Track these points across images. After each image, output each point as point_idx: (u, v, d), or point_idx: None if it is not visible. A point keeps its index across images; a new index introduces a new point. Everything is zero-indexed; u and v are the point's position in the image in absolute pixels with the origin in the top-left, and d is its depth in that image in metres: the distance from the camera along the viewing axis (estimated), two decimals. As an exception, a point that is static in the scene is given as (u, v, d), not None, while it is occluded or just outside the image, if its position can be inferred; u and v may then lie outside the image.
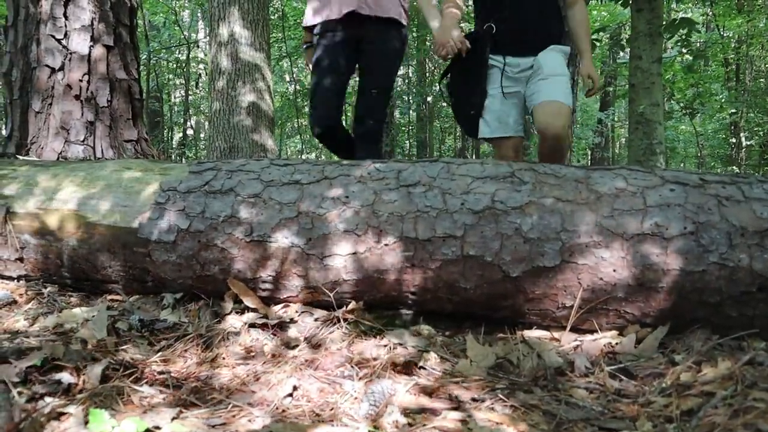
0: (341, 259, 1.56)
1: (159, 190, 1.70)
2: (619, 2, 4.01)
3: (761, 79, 11.96)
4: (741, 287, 1.43)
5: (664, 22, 3.81)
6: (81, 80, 2.81)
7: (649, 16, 3.52)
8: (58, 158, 2.72)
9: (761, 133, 11.29)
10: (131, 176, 1.78)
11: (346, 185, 1.60)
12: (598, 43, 5.06)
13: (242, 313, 1.60)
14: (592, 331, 1.52)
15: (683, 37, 4.32)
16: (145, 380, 1.21)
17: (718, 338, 1.44)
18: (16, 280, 1.94)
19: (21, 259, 1.87)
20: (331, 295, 1.59)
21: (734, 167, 11.76)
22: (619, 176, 1.54)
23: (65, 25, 2.80)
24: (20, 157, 2.65)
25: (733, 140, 11.93)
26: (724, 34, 10.68)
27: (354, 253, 1.55)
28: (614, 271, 1.45)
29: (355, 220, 1.55)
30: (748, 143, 11.91)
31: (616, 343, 1.47)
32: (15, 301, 1.81)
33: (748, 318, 1.45)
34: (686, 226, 1.45)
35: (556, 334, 1.53)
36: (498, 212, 1.50)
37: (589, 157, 12.53)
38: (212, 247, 1.62)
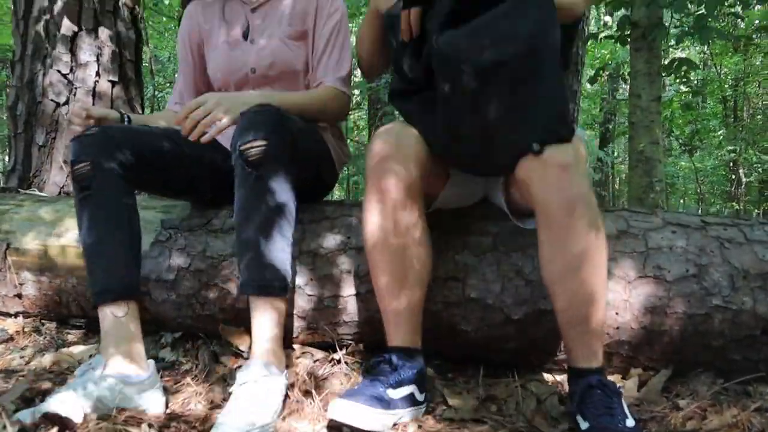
0: (342, 300, 1.55)
1: (160, 228, 1.70)
2: (618, 42, 4.07)
3: (758, 116, 12.06)
4: (745, 330, 1.42)
5: (664, 62, 3.86)
6: (85, 115, 2.84)
7: (648, 55, 3.57)
8: (60, 192, 2.73)
9: (760, 170, 11.34)
10: (133, 213, 1.78)
11: (348, 225, 1.60)
12: (598, 78, 5.10)
13: (241, 354, 1.58)
14: (595, 375, 1.50)
15: (683, 74, 4.37)
16: (144, 421, 1.20)
17: (723, 382, 1.42)
18: (13, 317, 1.93)
19: (19, 296, 1.86)
20: (333, 336, 1.58)
21: (734, 204, 11.77)
22: (621, 218, 1.54)
23: (71, 60, 2.83)
24: (22, 191, 2.65)
25: (733, 177, 11.97)
26: (721, 72, 10.80)
27: (356, 294, 1.54)
28: (617, 314, 1.44)
29: (356, 260, 1.55)
30: (748, 180, 11.95)
31: (620, 387, 1.44)
32: (12, 338, 1.80)
33: (752, 362, 1.44)
34: (688, 268, 1.45)
35: (558, 378, 1.51)
36: (500, 254, 1.50)
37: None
38: (213, 286, 1.61)
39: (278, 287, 1.35)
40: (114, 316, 1.36)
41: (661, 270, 1.45)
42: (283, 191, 1.37)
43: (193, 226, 1.68)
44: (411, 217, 1.31)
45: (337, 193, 12.48)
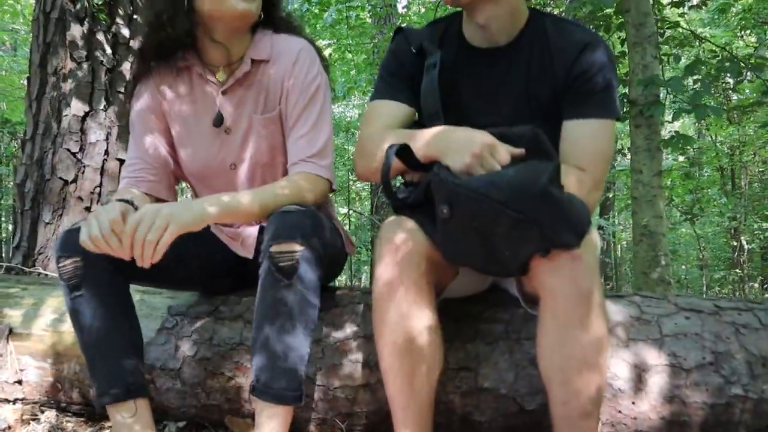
0: (352, 391, 1.51)
1: (167, 315, 1.67)
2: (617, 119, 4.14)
3: (755, 184, 12.19)
4: (766, 420, 1.38)
5: (662, 137, 3.91)
6: (93, 192, 2.86)
7: (648, 132, 3.62)
8: (64, 271, 2.71)
9: (761, 237, 11.36)
10: (139, 299, 1.75)
11: (358, 313, 1.58)
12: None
13: (247, 447, 1.53)
14: (613, 468, 1.45)
15: (680, 148, 4.43)
16: None
17: (748, 477, 1.37)
18: (12, 403, 1.87)
19: (19, 382, 1.82)
20: (342, 426, 1.53)
21: (737, 270, 11.73)
22: (633, 303, 1.52)
23: (81, 140, 2.88)
24: (27, 269, 2.64)
25: (734, 243, 11.99)
26: (717, 142, 10.98)
27: (366, 385, 1.50)
28: (633, 403, 1.40)
29: (366, 349, 1.52)
30: (750, 247, 11.95)
31: (640, 482, 1.40)
32: (9, 427, 1.74)
33: (778, 455, 1.39)
34: (705, 356, 1.42)
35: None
36: (512, 342, 1.48)
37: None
38: (219, 375, 1.58)
39: (293, 397, 1.30)
40: (122, 417, 1.32)
41: (677, 357, 1.42)
42: (310, 298, 1.31)
43: (200, 313, 1.66)
44: (422, 307, 1.27)
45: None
